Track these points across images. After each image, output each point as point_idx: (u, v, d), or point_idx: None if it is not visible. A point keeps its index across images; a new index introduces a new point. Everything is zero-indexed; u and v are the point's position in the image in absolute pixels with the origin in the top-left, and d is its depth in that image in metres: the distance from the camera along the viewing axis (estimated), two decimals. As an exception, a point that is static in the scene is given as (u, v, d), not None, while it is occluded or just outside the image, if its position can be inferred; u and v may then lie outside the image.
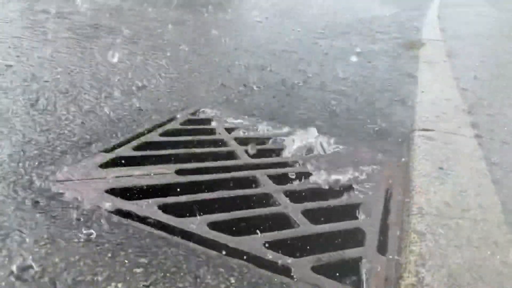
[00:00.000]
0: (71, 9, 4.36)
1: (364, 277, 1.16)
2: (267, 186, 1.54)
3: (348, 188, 1.61)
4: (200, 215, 1.31)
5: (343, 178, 1.66)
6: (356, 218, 1.43)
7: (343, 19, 6.42)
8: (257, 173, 1.61)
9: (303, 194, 1.54)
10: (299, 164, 1.75)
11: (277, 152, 1.87)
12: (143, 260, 1.10)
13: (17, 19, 3.78)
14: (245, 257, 1.16)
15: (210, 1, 6.16)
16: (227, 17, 5.34)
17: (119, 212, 1.28)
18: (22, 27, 3.52)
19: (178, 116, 2.08)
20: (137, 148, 1.69)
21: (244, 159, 1.73)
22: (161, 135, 1.85)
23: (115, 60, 2.95)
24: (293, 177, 1.65)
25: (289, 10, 6.80)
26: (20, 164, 1.48)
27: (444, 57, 3.97)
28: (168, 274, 1.06)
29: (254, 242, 1.21)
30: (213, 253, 1.16)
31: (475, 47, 4.59)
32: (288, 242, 1.26)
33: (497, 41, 5.14)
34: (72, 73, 2.58)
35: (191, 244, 1.19)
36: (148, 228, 1.23)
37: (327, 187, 1.60)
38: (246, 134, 1.99)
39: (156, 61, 3.08)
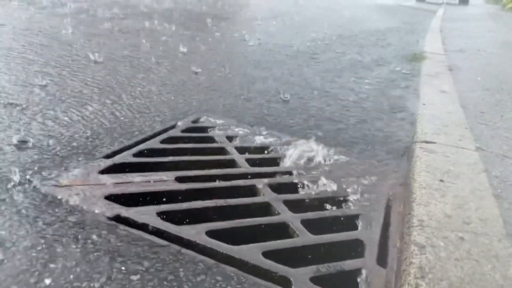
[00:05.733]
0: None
1: (363, 289, 1.15)
2: (266, 195, 1.54)
3: (348, 198, 1.60)
4: (199, 223, 1.31)
5: (343, 188, 1.65)
6: (356, 229, 1.42)
7: (345, 31, 6.47)
8: (257, 182, 1.61)
9: (303, 203, 1.54)
10: (299, 174, 1.75)
11: (277, 161, 1.87)
12: (140, 267, 1.09)
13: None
14: (243, 266, 1.15)
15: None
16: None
17: (118, 218, 1.28)
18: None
19: (179, 123, 2.09)
20: (137, 155, 1.69)
21: (244, 168, 1.72)
22: (162, 142, 1.85)
23: (117, 68, 2.97)
24: (293, 186, 1.64)
25: (292, 24, 6.86)
26: (20, 168, 1.48)
27: (446, 70, 3.99)
28: (165, 282, 1.05)
29: (253, 251, 1.20)
30: (211, 261, 1.15)
31: (477, 61, 4.60)
32: (287, 251, 1.25)
33: (498, 55, 5.16)
34: (74, 81, 2.59)
35: (189, 252, 1.18)
36: (146, 235, 1.22)
37: (326, 197, 1.59)
38: (246, 142, 1.99)
39: (159, 69, 3.10)
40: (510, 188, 1.63)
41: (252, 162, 1.78)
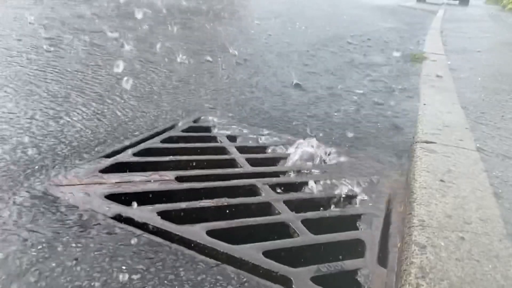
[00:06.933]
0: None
1: (363, 288, 1.15)
2: (267, 194, 1.53)
3: (349, 198, 1.60)
4: (199, 222, 1.30)
5: (344, 188, 1.65)
6: (357, 229, 1.42)
7: (344, 32, 6.47)
8: (257, 182, 1.61)
9: (303, 203, 1.54)
10: (300, 174, 1.75)
11: (278, 161, 1.86)
12: (140, 266, 1.09)
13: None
14: (244, 266, 1.15)
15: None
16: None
17: (118, 218, 1.28)
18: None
19: (180, 123, 2.09)
20: (138, 154, 1.69)
21: (245, 168, 1.72)
22: (162, 141, 1.85)
23: (118, 67, 2.97)
24: (293, 186, 1.64)
25: (290, 24, 6.86)
26: (20, 168, 1.48)
27: (446, 70, 3.99)
28: (165, 282, 1.05)
29: (253, 251, 1.20)
30: (212, 261, 1.15)
31: (477, 62, 4.60)
32: (288, 251, 1.25)
33: (498, 56, 5.16)
34: (75, 80, 2.59)
35: (189, 252, 1.18)
36: (146, 235, 1.22)
37: (327, 197, 1.59)
38: (247, 142, 1.99)
39: (159, 69, 3.10)
40: (511, 188, 1.63)
41: (252, 162, 1.77)
